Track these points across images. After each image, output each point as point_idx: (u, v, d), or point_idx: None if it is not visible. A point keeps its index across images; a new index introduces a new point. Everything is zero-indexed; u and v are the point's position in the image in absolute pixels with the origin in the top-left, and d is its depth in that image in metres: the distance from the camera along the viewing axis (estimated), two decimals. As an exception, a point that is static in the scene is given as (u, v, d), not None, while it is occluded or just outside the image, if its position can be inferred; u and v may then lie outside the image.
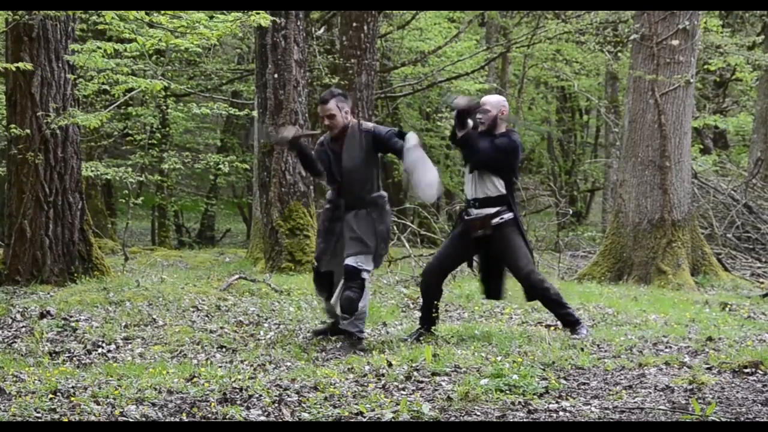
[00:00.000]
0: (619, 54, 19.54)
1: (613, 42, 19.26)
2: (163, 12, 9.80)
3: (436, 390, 5.82)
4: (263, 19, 9.82)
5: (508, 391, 5.65)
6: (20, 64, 9.67)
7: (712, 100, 23.48)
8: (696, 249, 12.72)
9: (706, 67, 18.05)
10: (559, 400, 5.54)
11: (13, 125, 10.19)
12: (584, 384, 6.06)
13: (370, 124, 7.67)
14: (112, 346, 7.52)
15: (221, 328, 8.26)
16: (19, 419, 4.95)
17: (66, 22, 10.31)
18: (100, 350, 7.39)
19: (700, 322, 8.72)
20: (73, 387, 5.75)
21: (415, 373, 6.23)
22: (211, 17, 10.18)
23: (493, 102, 7.74)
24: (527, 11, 19.93)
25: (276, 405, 5.40)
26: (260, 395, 5.60)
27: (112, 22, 10.24)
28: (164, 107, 18.76)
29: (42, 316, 8.39)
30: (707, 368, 6.50)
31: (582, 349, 7.07)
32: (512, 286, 7.98)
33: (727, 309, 9.73)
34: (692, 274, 12.40)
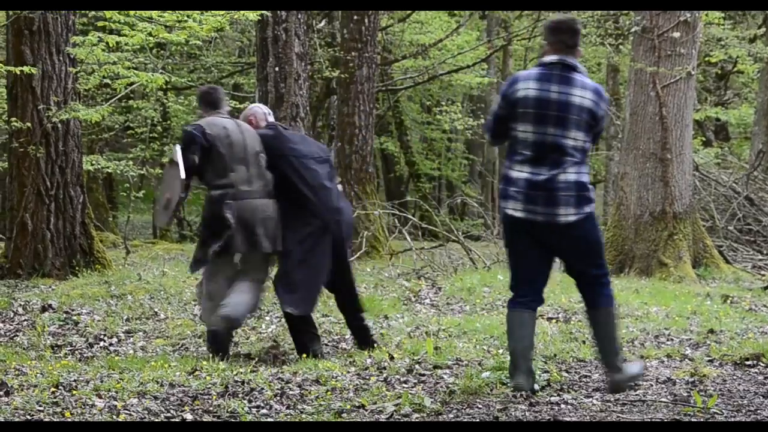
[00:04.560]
0: (620, 46, 19.50)
1: (614, 34, 19.22)
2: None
3: (438, 383, 5.82)
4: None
5: (509, 384, 5.65)
6: (25, 68, 9.60)
7: (714, 93, 23.45)
8: (697, 241, 12.70)
9: (707, 59, 18.02)
10: (560, 393, 5.54)
11: (14, 118, 10.18)
12: (586, 377, 6.06)
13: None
14: (114, 340, 7.52)
15: (223, 321, 8.25)
16: (22, 413, 4.95)
17: (67, 16, 10.30)
18: (101, 344, 7.39)
19: (702, 314, 8.72)
20: (75, 380, 5.75)
21: (417, 366, 6.23)
22: (202, 12, 10.15)
23: (246, 114, 7.26)
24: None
25: (278, 398, 5.40)
26: (262, 388, 5.60)
27: (111, 17, 10.23)
28: (165, 100, 18.74)
29: (44, 309, 8.40)
30: (709, 360, 6.50)
31: (584, 342, 7.07)
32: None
33: (728, 301, 9.73)
34: (694, 266, 12.38)
